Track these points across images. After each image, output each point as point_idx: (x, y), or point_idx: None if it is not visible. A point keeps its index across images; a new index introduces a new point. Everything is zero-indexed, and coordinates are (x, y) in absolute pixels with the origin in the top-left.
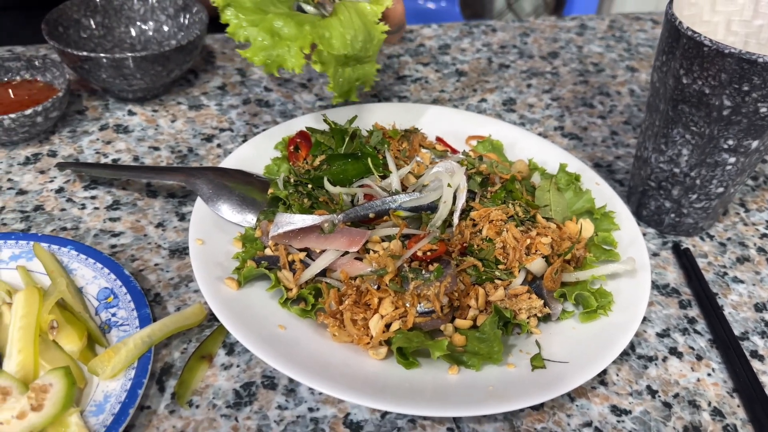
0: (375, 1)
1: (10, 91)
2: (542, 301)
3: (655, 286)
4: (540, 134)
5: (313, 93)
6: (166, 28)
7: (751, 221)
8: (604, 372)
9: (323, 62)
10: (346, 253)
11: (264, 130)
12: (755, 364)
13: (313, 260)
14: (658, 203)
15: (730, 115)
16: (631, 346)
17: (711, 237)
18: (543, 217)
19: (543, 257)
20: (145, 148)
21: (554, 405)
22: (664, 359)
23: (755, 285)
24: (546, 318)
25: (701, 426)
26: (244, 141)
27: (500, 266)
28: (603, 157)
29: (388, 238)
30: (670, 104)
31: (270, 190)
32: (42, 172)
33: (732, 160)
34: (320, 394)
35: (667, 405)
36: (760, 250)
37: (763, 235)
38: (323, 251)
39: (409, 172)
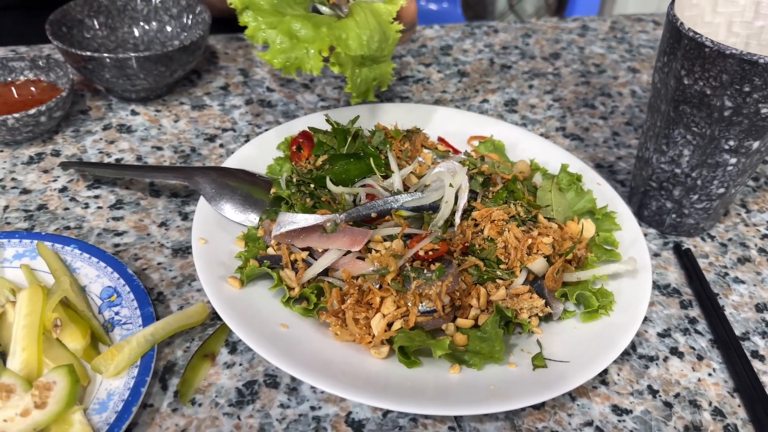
0: (389, 1)
1: (14, 90)
2: (543, 301)
3: (656, 286)
4: (542, 135)
5: (315, 93)
6: (169, 29)
7: (752, 222)
8: (605, 372)
9: (341, 64)
10: (348, 252)
11: (266, 130)
12: (756, 364)
13: (316, 259)
14: (660, 204)
15: (731, 115)
16: (632, 345)
17: (712, 237)
18: (544, 217)
19: (544, 257)
20: (148, 148)
21: (555, 404)
22: (665, 359)
23: (756, 285)
24: (547, 318)
25: (702, 426)
26: (246, 141)
27: (502, 266)
28: (604, 157)
29: (390, 238)
30: (671, 105)
31: (272, 190)
32: (45, 171)
33: (733, 160)
34: (322, 392)
35: (668, 405)
36: (761, 250)
37: (764, 236)
38: (325, 250)
39: (411, 172)
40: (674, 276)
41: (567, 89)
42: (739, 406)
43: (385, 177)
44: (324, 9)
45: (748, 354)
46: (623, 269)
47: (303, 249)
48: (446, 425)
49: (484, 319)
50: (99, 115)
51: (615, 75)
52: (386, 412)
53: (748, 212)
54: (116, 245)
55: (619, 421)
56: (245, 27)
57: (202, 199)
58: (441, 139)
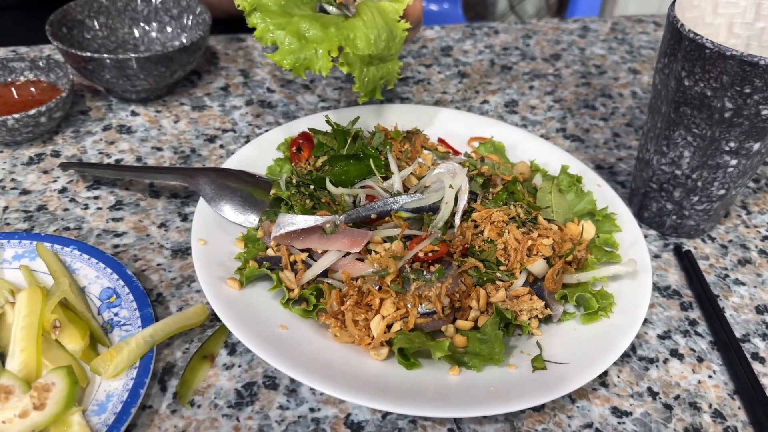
0: None
1: (14, 91)
2: (543, 303)
3: (656, 287)
4: (542, 136)
5: (315, 94)
6: (169, 29)
7: (752, 223)
8: (605, 373)
9: (350, 63)
10: (348, 253)
11: (267, 131)
12: (756, 366)
13: (315, 261)
14: (660, 205)
15: (732, 117)
16: (632, 347)
17: (712, 239)
18: (544, 219)
19: (544, 259)
20: (148, 149)
21: (555, 406)
22: (665, 361)
23: (756, 287)
24: (547, 319)
25: (702, 428)
26: (246, 142)
27: (501, 267)
28: (605, 159)
29: (390, 239)
30: (671, 106)
31: (272, 191)
32: (45, 172)
33: (733, 162)
34: (321, 394)
35: (668, 407)
36: (762, 252)
37: (765, 238)
38: (325, 252)
39: (411, 173)
40: (674, 278)
41: (567, 90)
42: (739, 408)
43: (385, 178)
44: (331, 9)
45: (748, 356)
46: (623, 271)
47: (302, 250)
48: (446, 427)
49: (483, 320)
50: (99, 116)
51: (615, 76)
52: (385, 414)
53: (749, 214)
54: (116, 246)
55: (619, 423)
56: (247, 28)
57: (201, 200)
58: (441, 140)
